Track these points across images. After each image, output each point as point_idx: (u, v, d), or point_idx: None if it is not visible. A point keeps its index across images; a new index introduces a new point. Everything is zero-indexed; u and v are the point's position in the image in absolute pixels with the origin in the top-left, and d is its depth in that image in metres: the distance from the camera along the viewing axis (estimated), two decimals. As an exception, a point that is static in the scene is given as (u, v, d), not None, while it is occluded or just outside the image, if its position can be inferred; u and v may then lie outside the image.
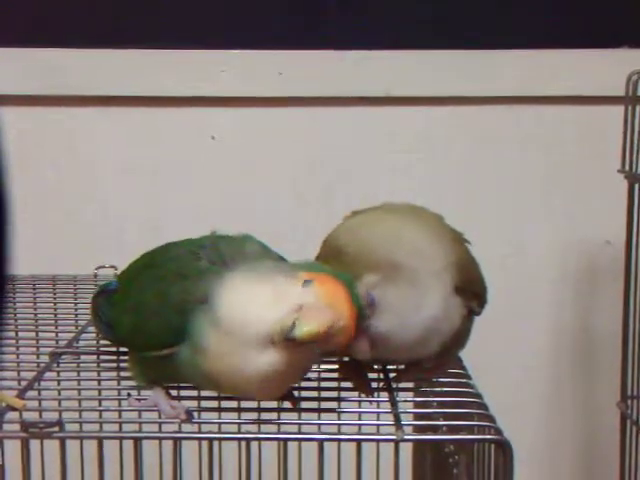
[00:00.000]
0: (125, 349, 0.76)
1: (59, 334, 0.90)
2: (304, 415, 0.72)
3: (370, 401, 0.71)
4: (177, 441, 0.68)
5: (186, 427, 0.66)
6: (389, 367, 0.75)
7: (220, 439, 0.77)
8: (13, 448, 0.68)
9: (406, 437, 0.62)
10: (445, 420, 0.70)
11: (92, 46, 1.25)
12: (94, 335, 0.84)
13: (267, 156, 1.32)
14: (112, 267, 1.01)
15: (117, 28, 1.28)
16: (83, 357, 0.81)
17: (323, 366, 0.76)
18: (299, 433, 0.68)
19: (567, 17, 1.30)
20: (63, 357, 0.79)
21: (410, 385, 0.75)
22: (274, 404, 0.70)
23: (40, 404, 0.71)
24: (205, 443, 0.66)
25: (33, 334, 0.90)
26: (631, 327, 1.13)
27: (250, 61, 1.27)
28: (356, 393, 0.72)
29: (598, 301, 1.35)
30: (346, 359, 0.74)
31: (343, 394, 0.73)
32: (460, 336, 0.71)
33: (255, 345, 0.60)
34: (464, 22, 1.29)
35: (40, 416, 0.67)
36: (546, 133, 1.33)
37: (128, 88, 1.27)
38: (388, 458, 0.65)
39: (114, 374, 0.76)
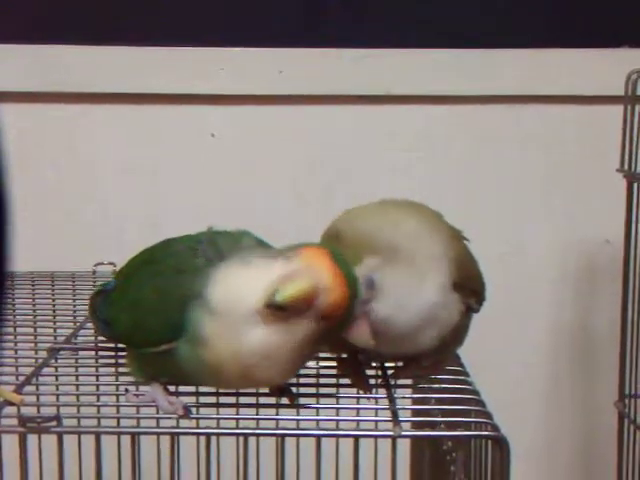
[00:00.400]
0: (123, 345, 0.76)
1: (57, 330, 0.90)
2: (302, 411, 0.72)
3: (368, 397, 0.71)
4: (175, 436, 0.67)
5: (184, 422, 0.66)
6: (387, 364, 0.75)
7: (218, 434, 0.76)
8: (11, 443, 0.68)
9: (404, 433, 0.63)
10: (443, 417, 0.70)
11: (91, 43, 1.25)
12: (92, 331, 0.83)
13: (267, 155, 1.31)
14: (111, 264, 1.01)
15: (117, 26, 1.28)
16: (81, 353, 0.81)
17: (321, 363, 0.77)
18: (297, 429, 0.68)
19: (567, 17, 1.30)
20: (61, 353, 0.80)
21: (408, 382, 0.75)
22: (272, 400, 0.70)
23: (38, 399, 0.71)
24: (203, 438, 0.66)
25: (31, 330, 0.90)
26: (629, 326, 1.14)
27: (250, 59, 1.27)
28: (354, 389, 0.72)
29: (597, 300, 1.35)
30: (344, 355, 0.74)
31: (341, 390, 0.73)
32: (458, 332, 0.71)
33: (248, 322, 0.61)
34: (464, 21, 1.29)
35: (38, 411, 0.67)
36: (546, 132, 1.33)
37: (128, 85, 1.27)
38: (386, 454, 0.66)
39: (112, 370, 0.76)
